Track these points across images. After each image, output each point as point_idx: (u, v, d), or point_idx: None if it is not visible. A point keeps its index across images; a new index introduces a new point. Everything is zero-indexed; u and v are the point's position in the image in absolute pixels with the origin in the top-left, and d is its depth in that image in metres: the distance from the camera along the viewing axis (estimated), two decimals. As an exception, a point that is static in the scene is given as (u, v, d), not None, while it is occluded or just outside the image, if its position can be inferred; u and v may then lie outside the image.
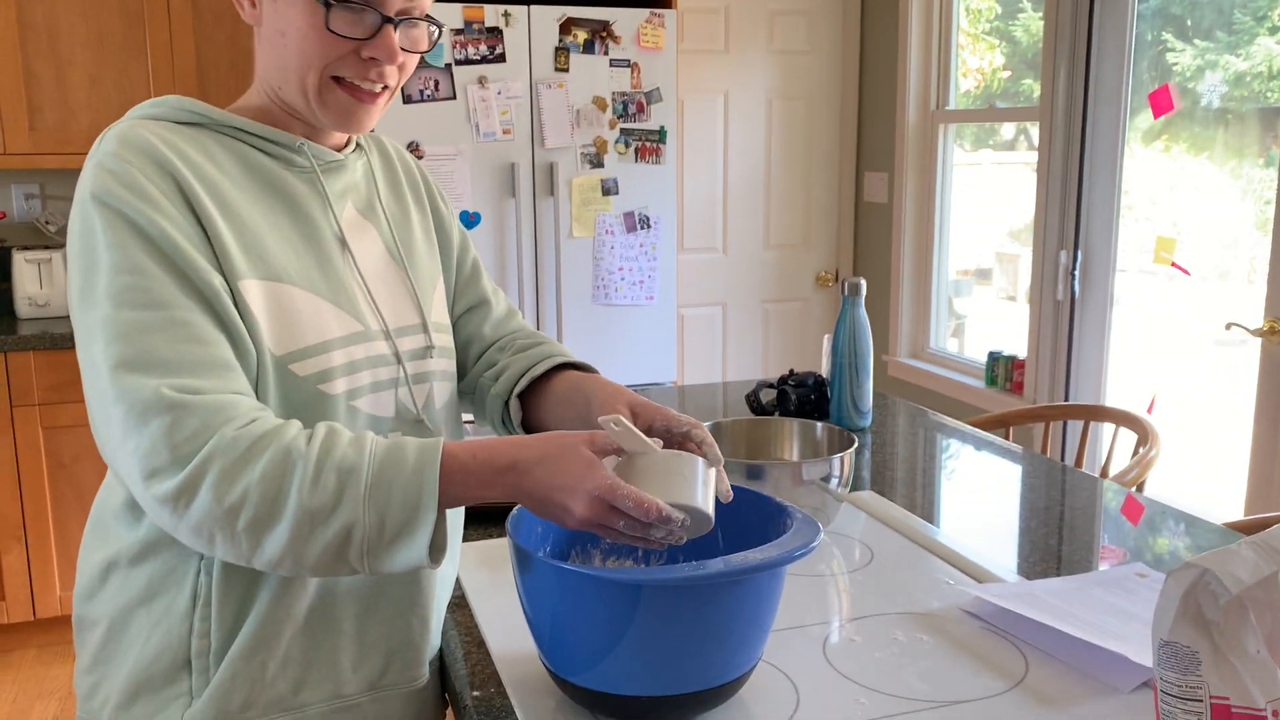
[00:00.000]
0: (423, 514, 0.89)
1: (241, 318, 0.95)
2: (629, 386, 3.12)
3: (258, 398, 0.96)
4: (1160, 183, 3.08)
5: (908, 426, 2.06)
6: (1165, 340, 3.13)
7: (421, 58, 1.08)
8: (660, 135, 3.36)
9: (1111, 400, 3.23)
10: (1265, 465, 2.63)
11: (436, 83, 3.11)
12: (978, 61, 3.84)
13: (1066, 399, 3.28)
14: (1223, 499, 2.93)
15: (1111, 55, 3.07)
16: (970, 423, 2.24)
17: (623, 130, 3.31)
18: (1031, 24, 3.51)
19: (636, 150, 3.34)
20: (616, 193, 3.35)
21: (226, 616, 1.00)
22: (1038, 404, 3.28)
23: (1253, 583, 0.80)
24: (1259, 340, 2.64)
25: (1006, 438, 2.33)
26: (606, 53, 3.26)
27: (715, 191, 4.04)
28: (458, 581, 1.31)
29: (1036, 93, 3.33)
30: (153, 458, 0.87)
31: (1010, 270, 3.82)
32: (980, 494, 1.68)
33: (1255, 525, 1.64)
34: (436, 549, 0.91)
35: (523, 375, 1.19)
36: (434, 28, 1.05)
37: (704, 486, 0.94)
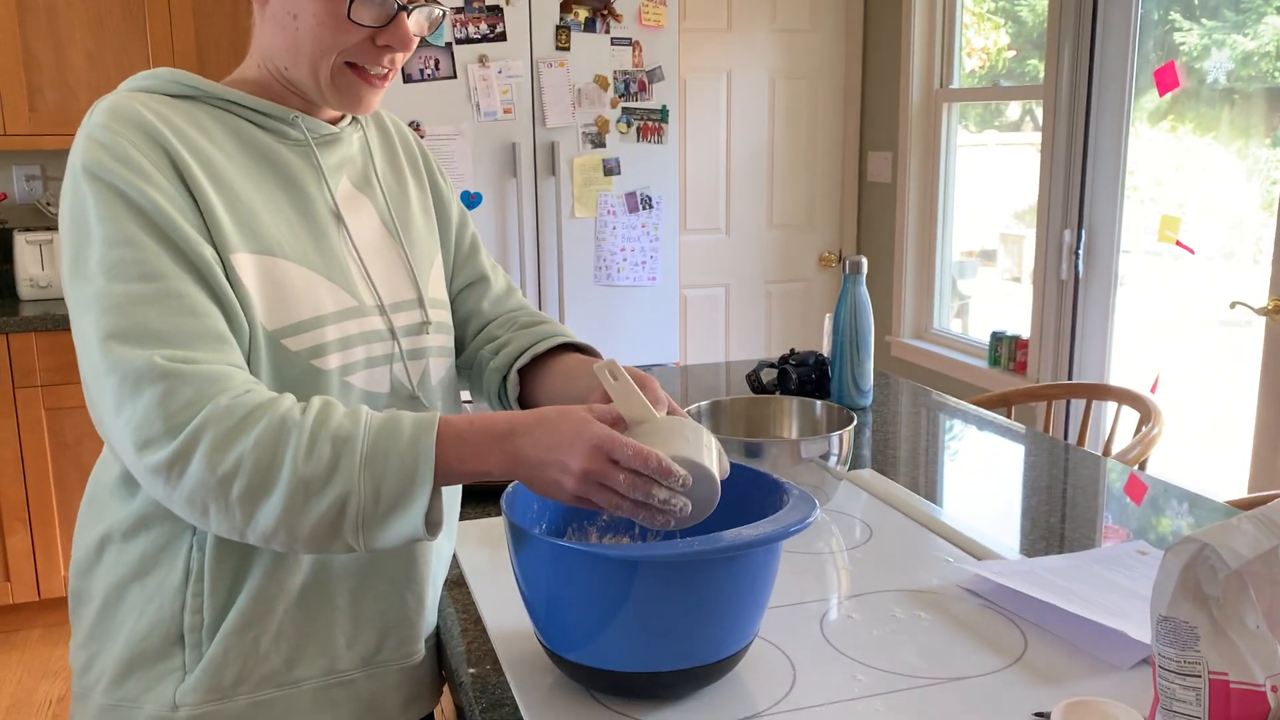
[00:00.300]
0: (419, 485, 0.87)
1: (234, 291, 0.95)
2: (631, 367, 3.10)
3: (250, 372, 0.96)
4: (1166, 163, 3.06)
5: (909, 405, 2.05)
6: (1169, 320, 3.12)
7: (422, 37, 1.07)
8: (662, 114, 3.34)
9: (1115, 380, 3.22)
10: (1268, 444, 2.62)
11: (437, 62, 3.10)
12: (983, 41, 3.81)
13: (1070, 379, 3.27)
14: (1226, 478, 2.93)
15: (1117, 34, 3.04)
16: (972, 402, 2.23)
17: (624, 109, 3.29)
18: (1037, 3, 3.48)
19: (638, 130, 3.32)
20: (618, 173, 3.33)
21: (219, 592, 0.99)
22: (1041, 384, 3.27)
23: (1252, 557, 0.80)
24: (1263, 320, 2.63)
25: (1008, 417, 2.32)
26: (608, 31, 3.24)
27: (718, 171, 4.02)
28: (456, 560, 1.31)
29: (1042, 73, 3.30)
30: (146, 427, 0.87)
31: (1015, 251, 3.81)
32: (982, 473, 1.67)
33: (1258, 503, 1.63)
34: (433, 522, 0.90)
35: (524, 351, 1.18)
36: (439, 10, 1.05)
37: (708, 450, 0.93)
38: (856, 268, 1.97)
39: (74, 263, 0.92)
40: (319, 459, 0.87)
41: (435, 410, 1.13)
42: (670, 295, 3.46)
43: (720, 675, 0.98)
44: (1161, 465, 3.00)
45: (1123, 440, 2.86)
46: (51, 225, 3.43)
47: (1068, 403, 3.25)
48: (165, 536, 1.00)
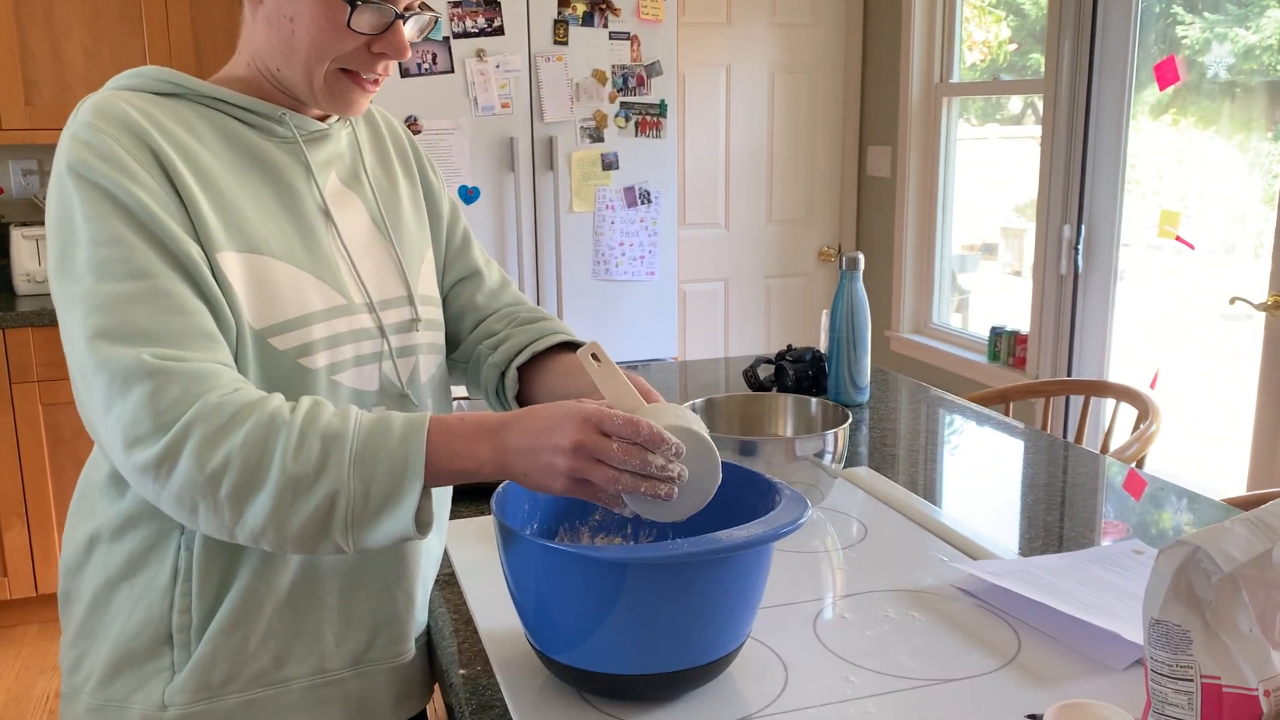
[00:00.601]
0: (409, 483, 0.87)
1: (220, 290, 0.94)
2: (630, 363, 3.10)
3: (237, 371, 0.95)
4: (1167, 157, 3.05)
5: (907, 402, 2.04)
6: (1169, 315, 3.11)
7: None
8: (661, 109, 3.33)
9: (1115, 375, 3.21)
10: (1268, 440, 2.61)
11: (434, 56, 3.09)
12: (983, 34, 3.79)
13: (1069, 374, 3.26)
14: (1225, 474, 2.92)
15: (1118, 27, 3.03)
16: (970, 398, 2.22)
17: (623, 104, 3.28)
18: (1037, -5, 3.46)
19: (637, 124, 3.31)
20: (617, 167, 3.32)
21: (208, 591, 0.99)
22: (1040, 379, 3.26)
23: (1245, 560, 0.79)
24: (1263, 315, 2.62)
25: (1007, 413, 2.31)
26: (606, 25, 3.22)
27: (717, 166, 4.01)
28: (447, 559, 1.30)
29: (1043, 66, 3.29)
30: (135, 425, 0.86)
31: (1016, 245, 3.79)
32: (979, 470, 1.66)
33: (1256, 501, 1.62)
34: (423, 522, 0.89)
35: (524, 348, 1.17)
36: (433, 15, 1.05)
37: (700, 425, 0.93)
38: (853, 264, 1.96)
39: (60, 262, 0.92)
40: (308, 457, 0.86)
41: (425, 407, 1.12)
42: (669, 290, 3.45)
43: (711, 677, 0.97)
44: (1160, 460, 2.99)
45: (1121, 436, 2.85)
46: (49, 220, 3.42)
47: (1066, 399, 3.24)
48: (154, 536, 0.99)
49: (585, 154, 3.28)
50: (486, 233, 3.24)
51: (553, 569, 0.92)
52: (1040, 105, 3.33)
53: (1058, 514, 1.46)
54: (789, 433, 1.55)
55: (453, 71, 3.11)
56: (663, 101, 3.32)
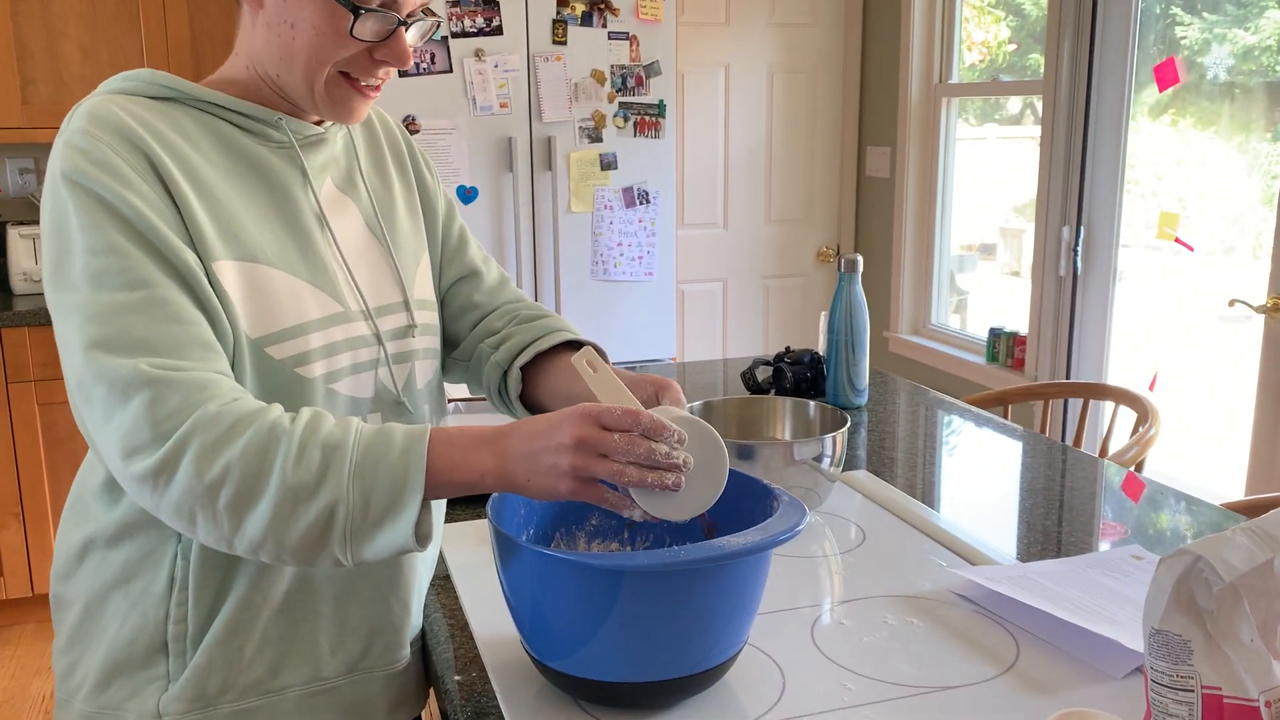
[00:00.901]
0: (409, 494, 0.86)
1: (217, 299, 0.93)
2: (629, 364, 3.09)
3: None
4: (1166, 157, 3.04)
5: (905, 405, 2.04)
6: (1168, 316, 3.10)
7: None
8: (660, 109, 3.32)
9: (1113, 377, 3.20)
10: (1267, 443, 2.60)
11: (433, 56, 3.08)
12: (983, 35, 3.79)
13: (1068, 375, 3.26)
14: (1224, 477, 2.91)
15: (1117, 28, 3.02)
16: (969, 401, 2.22)
17: (622, 104, 3.27)
18: (1037, -4, 3.45)
19: (635, 124, 3.30)
20: (615, 167, 3.31)
21: (204, 601, 0.98)
22: (1039, 381, 3.26)
23: (1247, 570, 0.78)
24: (1262, 317, 2.61)
25: (1005, 416, 2.31)
26: (605, 25, 3.21)
27: (716, 166, 4.00)
28: (442, 561, 1.29)
29: (1042, 67, 3.28)
30: (134, 435, 0.85)
31: (1014, 245, 3.79)
32: (978, 474, 1.66)
33: (1255, 505, 1.62)
34: (423, 535, 0.88)
35: (526, 347, 1.15)
36: (435, 20, 1.03)
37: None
38: (852, 266, 1.95)
39: (56, 271, 0.90)
40: (308, 467, 0.85)
41: (421, 414, 1.11)
42: (667, 291, 3.44)
43: (708, 684, 0.97)
44: (1159, 462, 2.98)
45: (1120, 439, 2.84)
46: (45, 219, 3.41)
47: (1065, 402, 3.23)
48: (150, 544, 0.98)
49: (584, 154, 3.27)
50: (484, 233, 3.23)
51: (548, 576, 0.91)
52: (1039, 105, 3.32)
53: (1056, 518, 1.45)
54: (787, 436, 1.54)
55: (451, 71, 3.10)
56: (661, 101, 3.31)
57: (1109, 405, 2.85)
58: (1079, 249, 3.18)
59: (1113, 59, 3.04)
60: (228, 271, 0.94)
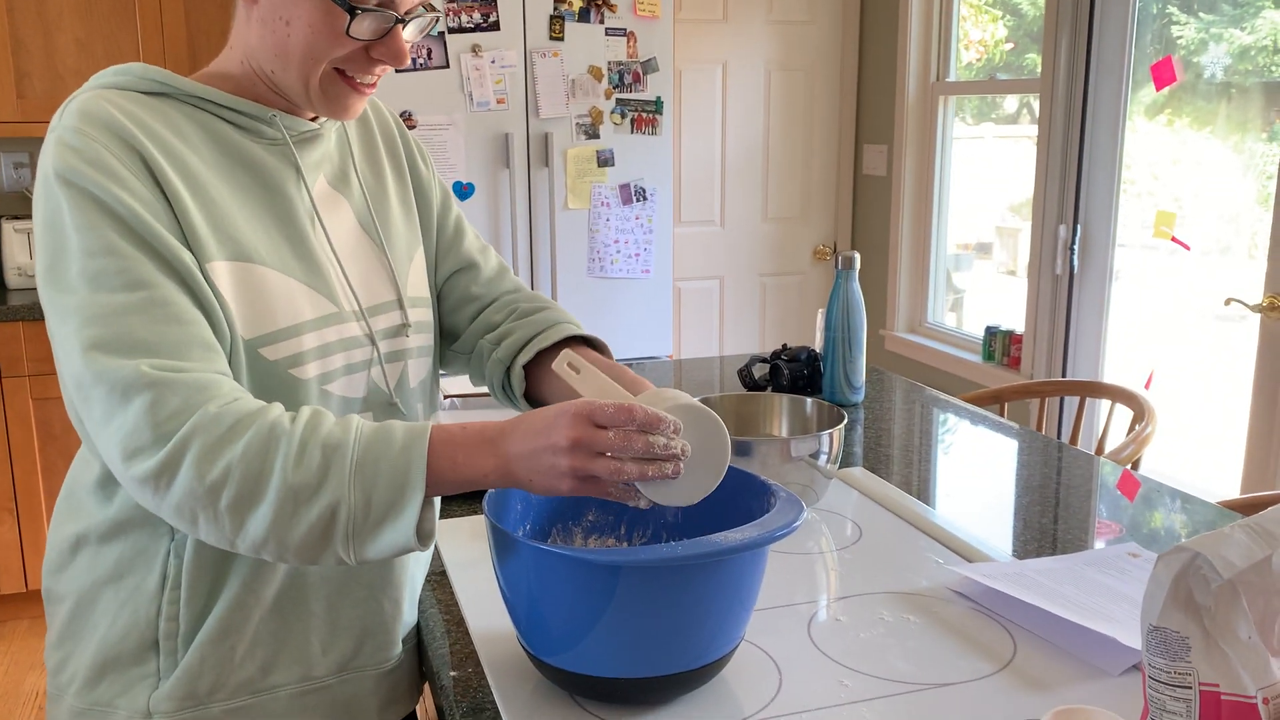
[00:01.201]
0: (410, 492, 0.85)
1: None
2: (625, 360, 3.09)
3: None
4: (1163, 157, 3.04)
5: (902, 402, 2.04)
6: (1164, 316, 3.10)
7: None
8: (657, 106, 3.31)
9: (1110, 376, 3.21)
10: (1262, 442, 2.61)
11: (430, 51, 3.07)
12: (980, 33, 3.79)
13: (1064, 374, 3.26)
14: (1220, 475, 2.92)
15: (1114, 27, 3.02)
16: (965, 399, 2.22)
17: (619, 101, 3.27)
18: (1034, -6, 3.45)
19: (633, 121, 3.30)
20: (612, 164, 3.31)
21: (196, 600, 0.98)
22: (1035, 379, 3.26)
23: (1245, 567, 0.78)
24: (1258, 316, 2.62)
25: (1001, 414, 2.31)
26: (602, 21, 3.21)
27: (713, 163, 4.00)
28: (439, 557, 1.29)
29: (1039, 66, 3.28)
30: (134, 437, 0.84)
31: (1010, 244, 3.79)
32: (974, 471, 1.65)
33: (1251, 503, 1.62)
34: (425, 533, 0.88)
35: (527, 344, 1.14)
36: (433, 15, 1.02)
37: (697, 402, 0.92)
38: (849, 263, 1.95)
39: (51, 271, 0.89)
40: (309, 467, 0.84)
41: (414, 413, 1.11)
42: (664, 288, 3.44)
43: (705, 680, 0.97)
44: (1155, 460, 2.99)
45: (1116, 438, 2.85)
46: (40, 213, 3.40)
47: (1061, 400, 3.23)
48: (143, 541, 0.98)
49: (581, 150, 3.27)
50: (481, 229, 3.23)
51: (545, 571, 0.91)
52: (1036, 105, 3.32)
53: (1052, 516, 1.45)
54: (784, 433, 1.54)
55: (448, 67, 3.10)
56: (659, 98, 3.31)
57: (1105, 403, 2.86)
58: (1075, 248, 3.18)
59: (1110, 58, 3.04)
60: (221, 272, 0.93)
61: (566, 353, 0.93)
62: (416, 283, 1.13)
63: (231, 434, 0.85)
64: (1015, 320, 3.51)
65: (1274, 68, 2.69)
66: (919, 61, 3.80)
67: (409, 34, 0.99)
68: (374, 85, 1.02)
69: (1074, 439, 2.33)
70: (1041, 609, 1.12)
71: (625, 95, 3.27)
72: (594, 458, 0.84)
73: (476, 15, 3.09)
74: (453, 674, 1.03)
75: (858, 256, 1.95)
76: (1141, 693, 0.97)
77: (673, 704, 0.97)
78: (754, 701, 0.98)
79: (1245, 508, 1.61)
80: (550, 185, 3.25)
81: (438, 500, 1.19)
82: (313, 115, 1.06)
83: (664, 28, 3.27)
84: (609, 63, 3.24)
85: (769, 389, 2.05)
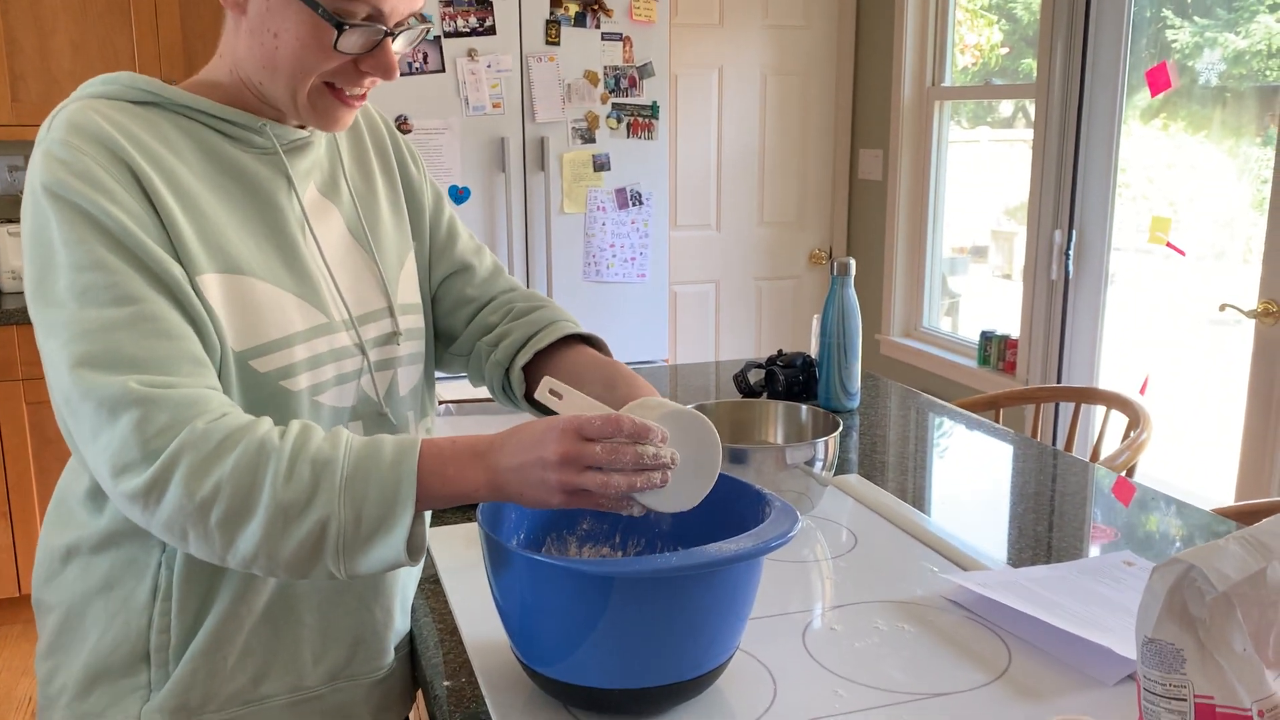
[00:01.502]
0: (400, 507, 0.85)
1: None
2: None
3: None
4: (1158, 161, 3.05)
5: (897, 408, 2.04)
6: (1159, 321, 3.11)
7: None
8: (653, 110, 3.31)
9: (1105, 380, 3.21)
10: (1257, 447, 2.61)
11: (425, 55, 3.07)
12: (975, 38, 3.79)
13: (1059, 379, 3.26)
14: (1215, 482, 2.92)
15: (1109, 32, 3.03)
16: (960, 404, 2.22)
17: (615, 105, 3.27)
18: (1033, 0, 3.46)
19: (629, 125, 3.30)
20: (608, 168, 3.31)
21: (188, 612, 0.97)
22: (1030, 384, 3.26)
23: (1240, 579, 0.78)
24: (1253, 322, 2.62)
25: (997, 420, 2.31)
26: (598, 26, 3.21)
27: (708, 168, 4.00)
28: (433, 564, 1.28)
29: (1035, 70, 3.28)
30: (122, 453, 0.84)
31: (1006, 248, 3.79)
32: (970, 479, 1.65)
33: (1246, 510, 1.62)
34: (415, 548, 0.87)
35: (524, 345, 1.13)
36: (424, 26, 1.01)
37: (685, 408, 0.92)
38: (844, 269, 1.95)
39: (39, 285, 0.88)
40: (298, 483, 0.84)
41: (404, 422, 1.10)
42: (660, 292, 3.44)
43: (700, 691, 0.96)
44: (1150, 466, 2.99)
45: (1111, 444, 2.85)
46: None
47: (1056, 406, 3.24)
48: (134, 553, 0.97)
49: (576, 155, 3.27)
50: (476, 233, 3.22)
51: (538, 582, 0.91)
52: (1031, 109, 3.32)
53: (1047, 523, 1.45)
54: (779, 440, 1.54)
55: (444, 71, 3.09)
56: (654, 103, 3.31)
57: (1100, 409, 2.86)
58: (1070, 252, 3.18)
59: (1105, 63, 3.05)
60: (212, 285, 0.92)
61: (547, 379, 0.93)
62: (407, 289, 1.12)
63: (220, 450, 0.84)
64: (1010, 325, 3.51)
65: (1269, 72, 2.70)
66: (914, 66, 3.80)
67: (399, 46, 0.98)
68: (363, 98, 1.01)
69: (1069, 445, 2.33)
70: (1037, 618, 1.12)
71: (621, 100, 3.27)
72: (583, 472, 0.84)
73: (472, 19, 3.09)
74: (446, 683, 1.03)
75: (853, 263, 1.95)
76: (1137, 704, 0.97)
77: (667, 714, 0.97)
78: (749, 712, 0.97)
79: (1240, 515, 1.61)
80: (546, 189, 3.25)
81: (428, 514, 1.19)
82: (301, 124, 1.05)
83: (660, 32, 3.27)
84: (605, 67, 3.24)
85: (764, 395, 2.05)
